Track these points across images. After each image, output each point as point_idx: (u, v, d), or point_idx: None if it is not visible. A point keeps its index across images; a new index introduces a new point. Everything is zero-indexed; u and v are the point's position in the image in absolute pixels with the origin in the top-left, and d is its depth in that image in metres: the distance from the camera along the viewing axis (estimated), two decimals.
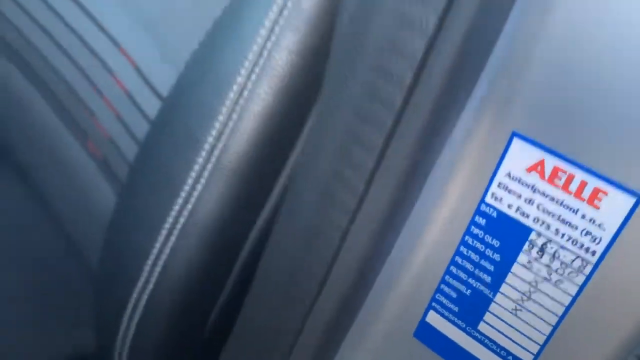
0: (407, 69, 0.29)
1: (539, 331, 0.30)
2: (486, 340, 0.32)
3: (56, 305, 0.62)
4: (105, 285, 0.48)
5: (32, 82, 0.68)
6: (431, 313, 0.34)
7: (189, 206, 0.39)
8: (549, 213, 0.29)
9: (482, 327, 0.32)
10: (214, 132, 0.37)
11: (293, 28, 0.36)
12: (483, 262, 0.31)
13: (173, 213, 0.39)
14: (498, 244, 0.31)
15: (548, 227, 0.29)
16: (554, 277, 0.29)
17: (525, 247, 0.30)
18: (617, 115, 0.26)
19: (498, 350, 0.32)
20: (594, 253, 0.28)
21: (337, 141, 0.33)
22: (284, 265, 0.38)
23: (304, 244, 0.37)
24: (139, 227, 0.43)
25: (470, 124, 0.30)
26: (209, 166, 0.38)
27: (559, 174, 0.28)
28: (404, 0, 0.29)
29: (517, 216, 0.30)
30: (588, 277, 0.28)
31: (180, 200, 0.39)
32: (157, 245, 0.40)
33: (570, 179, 0.28)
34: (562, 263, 0.29)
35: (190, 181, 0.38)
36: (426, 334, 0.35)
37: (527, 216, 0.29)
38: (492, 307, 0.32)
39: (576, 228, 0.28)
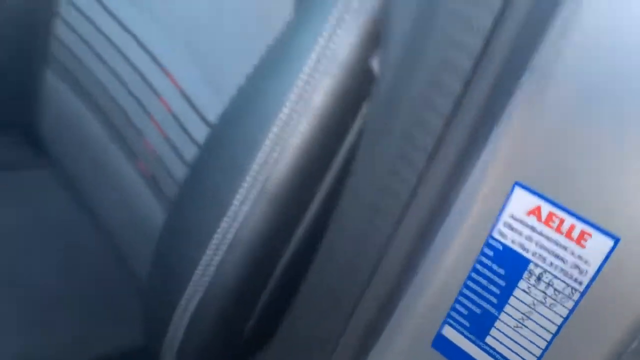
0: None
1: (536, 345, 0.34)
2: (492, 352, 0.36)
3: (102, 307, 0.64)
4: (155, 293, 0.50)
5: (84, 101, 0.69)
6: (446, 327, 0.37)
7: (236, 224, 0.41)
8: (544, 249, 0.32)
9: (489, 340, 0.36)
10: (258, 162, 0.40)
11: (329, 74, 0.39)
12: (490, 286, 0.35)
13: (220, 230, 0.41)
14: (503, 272, 0.34)
15: (544, 260, 0.33)
16: (549, 301, 0.33)
17: (525, 275, 0.33)
18: (600, 175, 0.30)
19: None
20: (580, 283, 0.32)
21: (386, 163, 0.37)
22: (334, 270, 0.41)
23: (352, 249, 0.40)
24: (188, 241, 0.45)
25: (482, 175, 0.34)
26: (254, 191, 0.40)
27: (553, 217, 0.32)
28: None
29: (519, 250, 0.33)
30: (576, 303, 0.32)
31: (227, 219, 0.41)
32: (206, 258, 0.42)
33: (562, 222, 0.31)
34: (555, 290, 0.33)
35: (236, 203, 0.41)
36: (442, 344, 0.38)
37: (527, 250, 0.33)
38: (497, 323, 0.35)
39: (566, 262, 0.32)
